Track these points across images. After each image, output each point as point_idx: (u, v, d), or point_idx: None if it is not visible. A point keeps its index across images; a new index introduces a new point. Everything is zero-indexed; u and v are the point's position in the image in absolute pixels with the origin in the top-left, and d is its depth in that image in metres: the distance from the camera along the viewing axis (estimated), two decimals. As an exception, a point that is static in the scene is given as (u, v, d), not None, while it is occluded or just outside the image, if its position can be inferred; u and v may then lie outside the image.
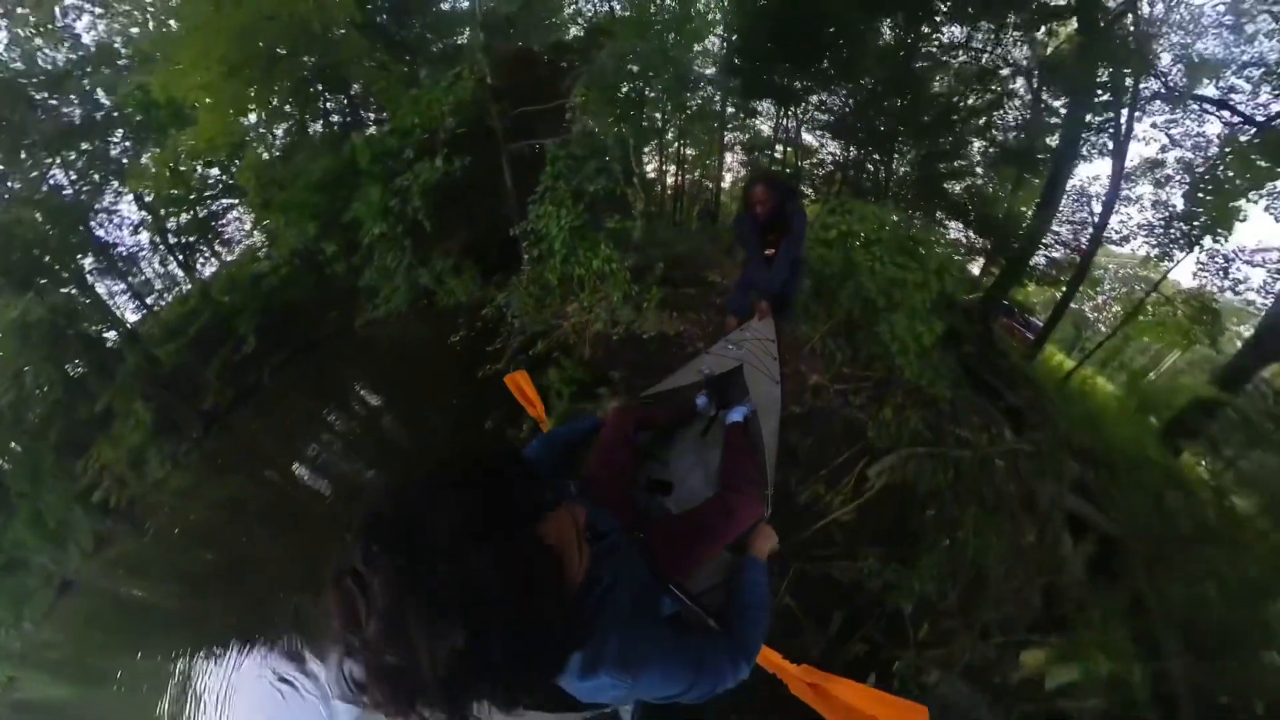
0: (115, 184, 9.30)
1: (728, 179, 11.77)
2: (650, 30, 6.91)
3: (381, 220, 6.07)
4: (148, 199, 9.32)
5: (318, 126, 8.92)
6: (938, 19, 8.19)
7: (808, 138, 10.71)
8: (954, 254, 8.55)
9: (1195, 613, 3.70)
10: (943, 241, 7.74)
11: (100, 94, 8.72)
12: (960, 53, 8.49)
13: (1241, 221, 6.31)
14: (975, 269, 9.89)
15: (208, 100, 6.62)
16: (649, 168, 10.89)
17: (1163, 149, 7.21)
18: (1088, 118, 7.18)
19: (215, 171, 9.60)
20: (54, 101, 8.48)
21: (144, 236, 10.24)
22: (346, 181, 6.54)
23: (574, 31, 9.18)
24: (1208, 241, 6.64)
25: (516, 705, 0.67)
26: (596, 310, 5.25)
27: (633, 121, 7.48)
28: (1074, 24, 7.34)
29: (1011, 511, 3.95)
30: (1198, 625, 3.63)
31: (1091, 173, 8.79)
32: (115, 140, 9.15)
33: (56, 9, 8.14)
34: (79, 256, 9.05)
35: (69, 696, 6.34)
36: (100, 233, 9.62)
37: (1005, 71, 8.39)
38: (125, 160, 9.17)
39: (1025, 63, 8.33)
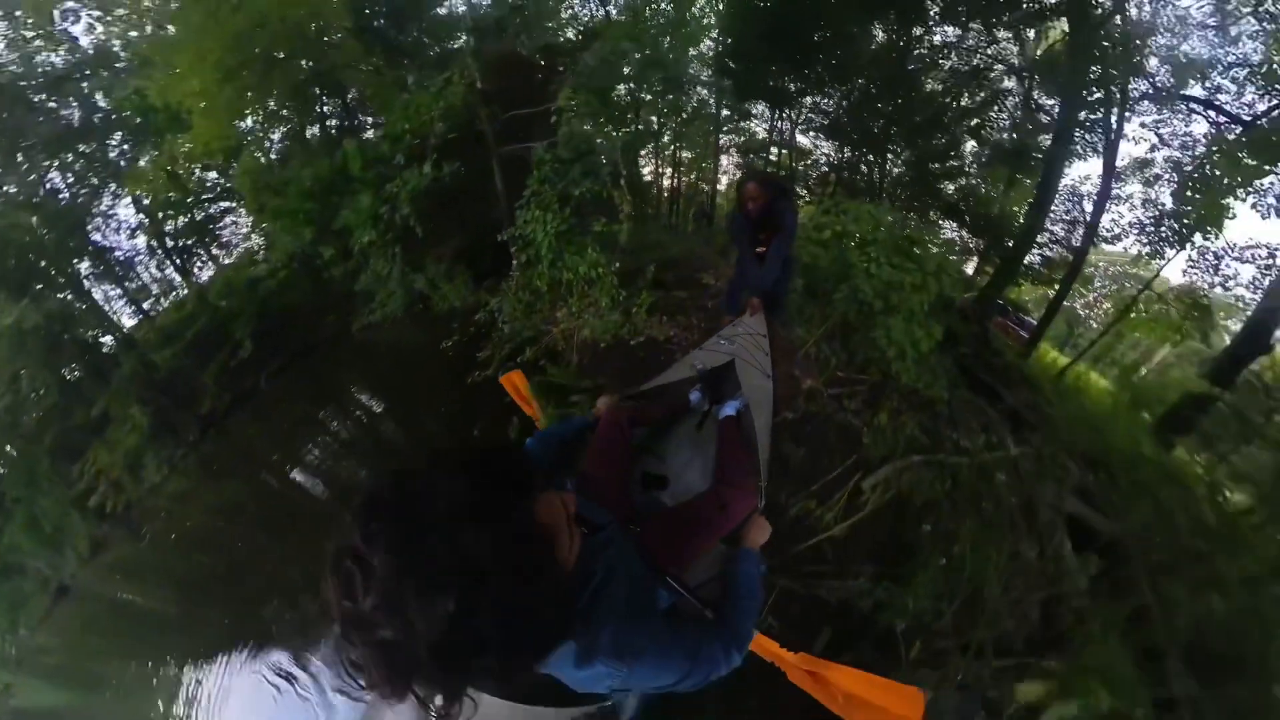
0: (113, 187, 9.29)
1: (723, 181, 11.84)
2: (645, 34, 6.94)
3: (371, 228, 6.03)
4: (146, 202, 9.32)
5: (315, 130, 8.95)
6: (930, 21, 8.28)
7: (802, 140, 10.80)
8: (949, 254, 8.61)
9: (1201, 633, 3.54)
10: (938, 241, 7.77)
11: (99, 97, 8.72)
12: (952, 54, 8.57)
13: (1231, 219, 6.41)
14: (969, 268, 9.96)
15: (203, 105, 6.64)
16: (645, 171, 10.95)
17: (1152, 148, 7.30)
18: (1079, 117, 7.27)
19: (213, 175, 9.61)
20: (52, 104, 8.47)
21: (141, 240, 10.25)
22: (339, 188, 6.51)
23: (570, 35, 9.24)
24: (1198, 239, 6.72)
25: (508, 685, 0.69)
26: (585, 316, 5.22)
27: (621, 124, 7.48)
28: (1064, 25, 7.43)
29: (1011, 520, 3.85)
30: (1204, 646, 3.48)
31: (1083, 172, 8.90)
32: (113, 143, 9.14)
33: (55, 12, 8.15)
34: (75, 261, 9.03)
35: (66, 703, 6.31)
36: (97, 237, 9.62)
37: (996, 71, 8.48)
38: (123, 163, 9.16)
39: (1016, 63, 8.42)
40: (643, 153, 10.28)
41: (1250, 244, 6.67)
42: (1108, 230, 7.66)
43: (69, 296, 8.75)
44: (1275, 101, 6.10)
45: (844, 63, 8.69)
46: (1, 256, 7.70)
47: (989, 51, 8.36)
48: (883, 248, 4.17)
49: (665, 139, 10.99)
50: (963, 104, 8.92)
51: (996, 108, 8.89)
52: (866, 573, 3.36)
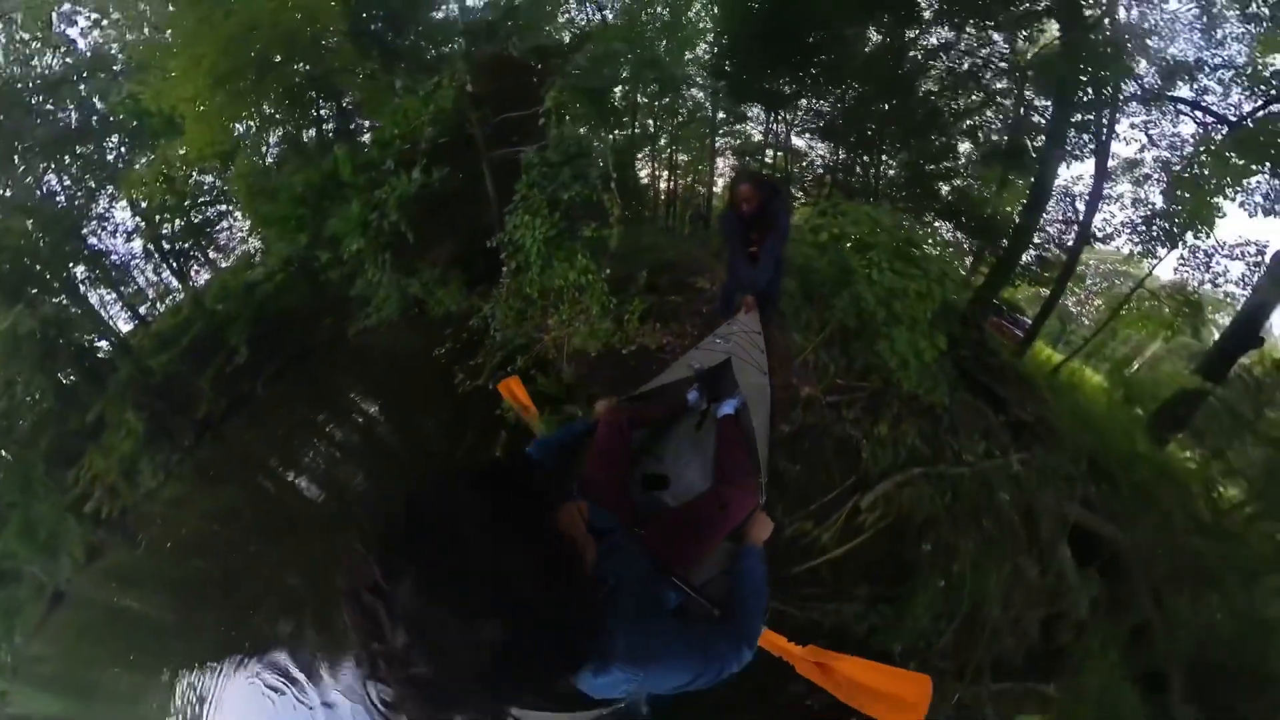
0: (110, 189, 9.25)
1: (719, 184, 11.87)
2: (640, 36, 6.94)
3: (359, 235, 5.89)
4: (142, 205, 9.28)
5: (311, 134, 8.93)
6: (924, 23, 8.35)
7: (798, 142, 10.85)
8: (947, 256, 8.65)
9: (1202, 648, 3.48)
10: (936, 242, 7.82)
11: (96, 100, 8.67)
12: (946, 55, 8.65)
13: (1221, 218, 6.49)
14: (962, 270, 10.03)
15: (197, 109, 6.62)
16: (642, 174, 10.96)
17: (1141, 149, 7.41)
18: (1072, 118, 7.34)
19: (209, 178, 9.58)
20: (49, 107, 8.42)
21: (137, 244, 10.19)
22: (330, 193, 6.40)
23: (566, 38, 9.26)
24: (1189, 237, 6.81)
25: (551, 698, 0.67)
26: (575, 324, 5.06)
27: (615, 127, 7.43)
28: (1055, 27, 7.51)
29: (1012, 532, 3.73)
30: (1205, 660, 3.42)
31: (1075, 173, 8.98)
32: (110, 146, 9.10)
33: (53, 14, 8.12)
34: (71, 265, 8.97)
35: (61, 710, 6.26)
36: (93, 240, 9.56)
37: (990, 74, 8.55)
38: (120, 166, 9.11)
39: (1009, 65, 8.50)
40: (639, 156, 10.29)
41: (1240, 241, 6.82)
42: (1100, 229, 7.74)
43: (64, 301, 8.71)
44: (1261, 102, 6.20)
45: (839, 65, 8.74)
46: (-3, 261, 7.67)
47: (982, 53, 8.43)
48: (884, 252, 4.00)
49: (661, 142, 11.02)
50: (957, 105, 8.99)
51: (991, 109, 8.96)
52: (862, 595, 3.28)
